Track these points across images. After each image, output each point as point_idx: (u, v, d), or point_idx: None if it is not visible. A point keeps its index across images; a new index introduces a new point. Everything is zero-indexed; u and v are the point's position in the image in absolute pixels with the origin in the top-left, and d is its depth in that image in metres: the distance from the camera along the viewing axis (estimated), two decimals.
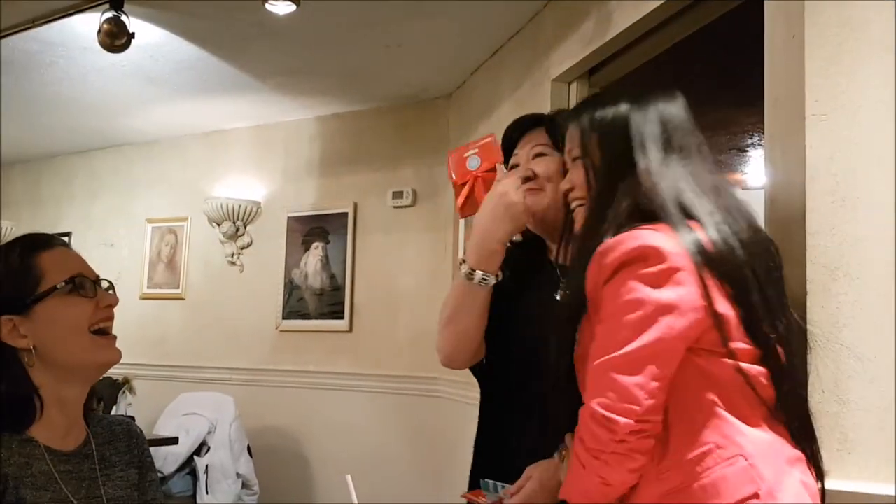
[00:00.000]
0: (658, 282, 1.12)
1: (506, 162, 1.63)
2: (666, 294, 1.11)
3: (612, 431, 1.07)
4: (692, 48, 2.57)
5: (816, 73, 1.45)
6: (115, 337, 1.27)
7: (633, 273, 1.13)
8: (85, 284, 1.23)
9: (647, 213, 1.21)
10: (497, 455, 1.55)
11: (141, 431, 1.40)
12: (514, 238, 1.64)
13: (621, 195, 1.24)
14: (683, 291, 1.12)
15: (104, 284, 1.28)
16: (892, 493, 1.26)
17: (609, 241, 1.18)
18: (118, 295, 1.30)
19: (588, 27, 2.71)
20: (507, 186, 1.44)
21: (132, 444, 1.36)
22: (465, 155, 1.37)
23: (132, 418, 4.11)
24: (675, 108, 1.31)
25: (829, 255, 1.38)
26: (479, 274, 1.43)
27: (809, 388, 1.39)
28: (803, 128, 1.44)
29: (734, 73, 2.91)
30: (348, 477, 1.26)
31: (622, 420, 1.07)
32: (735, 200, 1.26)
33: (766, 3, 1.77)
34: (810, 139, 1.43)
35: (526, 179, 1.54)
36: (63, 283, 1.21)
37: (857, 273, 1.35)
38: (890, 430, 1.30)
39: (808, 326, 1.39)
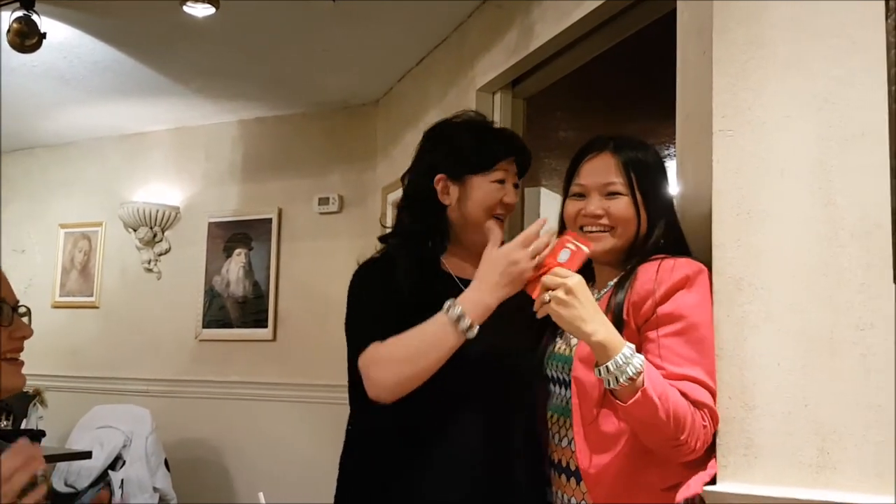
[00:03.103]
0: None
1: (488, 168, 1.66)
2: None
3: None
4: (612, 61, 2.63)
5: (724, 89, 1.49)
6: (21, 363, 1.22)
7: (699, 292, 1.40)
8: (1, 311, 1.18)
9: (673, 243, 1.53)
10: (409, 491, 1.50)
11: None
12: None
13: (659, 230, 1.53)
14: None
15: (21, 310, 1.23)
16: (797, 497, 1.30)
17: (671, 263, 1.43)
18: (29, 303, 1.25)
19: (511, 38, 2.74)
20: (521, 256, 1.43)
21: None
22: (567, 245, 1.41)
23: (43, 432, 3.95)
24: None
25: (734, 266, 1.42)
26: (476, 329, 1.43)
27: (717, 394, 1.43)
28: (711, 142, 1.49)
29: (653, 85, 3.00)
30: (260, 494, 1.23)
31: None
32: None
33: (678, 20, 1.83)
34: (717, 154, 1.47)
35: (506, 207, 1.66)
36: None
37: (761, 283, 1.40)
38: (793, 435, 1.35)
39: (715, 335, 1.43)
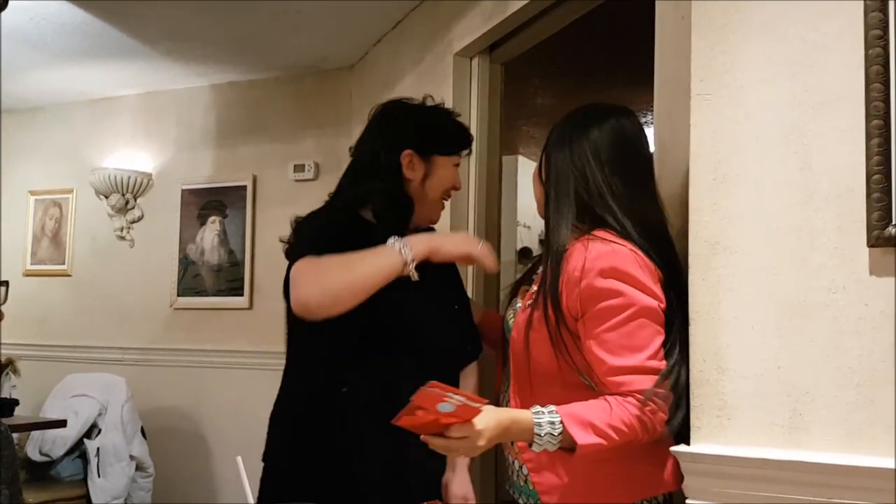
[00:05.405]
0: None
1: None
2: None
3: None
4: (589, 27, 2.61)
5: (702, 52, 1.49)
6: None
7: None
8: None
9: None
10: None
11: (9, 434, 1.31)
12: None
13: (551, 196, 1.54)
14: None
15: None
16: (769, 457, 1.32)
17: (595, 252, 1.45)
18: None
19: (488, 2, 2.71)
20: (473, 242, 1.71)
21: None
22: (444, 397, 1.26)
23: (16, 401, 3.91)
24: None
25: (709, 229, 1.43)
26: (413, 265, 1.60)
27: (691, 356, 1.45)
28: (689, 107, 1.49)
29: (630, 52, 2.99)
30: (239, 458, 1.23)
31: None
32: None
33: None
34: (695, 118, 1.47)
35: (455, 190, 1.88)
36: None
37: (736, 247, 1.41)
38: (766, 396, 1.37)
39: (690, 298, 1.44)
